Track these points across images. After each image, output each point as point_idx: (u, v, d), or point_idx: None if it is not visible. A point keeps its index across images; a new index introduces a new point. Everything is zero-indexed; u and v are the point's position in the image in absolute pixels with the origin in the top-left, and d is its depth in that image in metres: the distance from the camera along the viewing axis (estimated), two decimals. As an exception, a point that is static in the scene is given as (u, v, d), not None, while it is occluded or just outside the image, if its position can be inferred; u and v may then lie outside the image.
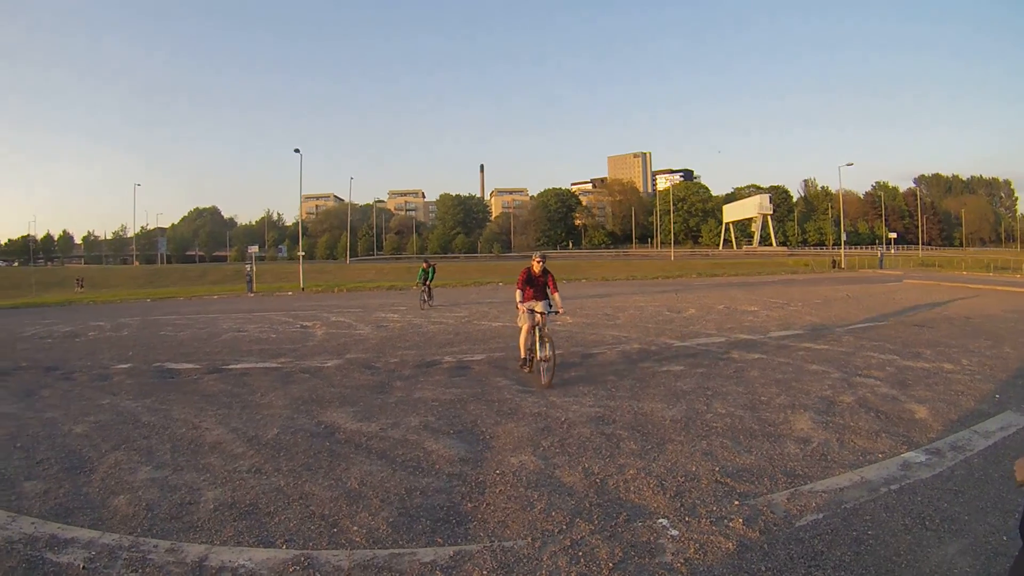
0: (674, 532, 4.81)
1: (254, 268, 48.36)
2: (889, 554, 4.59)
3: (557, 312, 11.41)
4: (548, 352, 10.41)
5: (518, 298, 11.18)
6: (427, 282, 27.44)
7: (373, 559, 4.57)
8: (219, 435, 7.91)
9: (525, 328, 11.36)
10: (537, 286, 11.41)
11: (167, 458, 7.05)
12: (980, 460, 6.64)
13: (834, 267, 73.32)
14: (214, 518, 5.35)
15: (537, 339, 10.89)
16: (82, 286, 64.00)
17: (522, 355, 11.60)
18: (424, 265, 27.94)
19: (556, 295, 11.48)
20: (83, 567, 4.52)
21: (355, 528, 5.09)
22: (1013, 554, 4.31)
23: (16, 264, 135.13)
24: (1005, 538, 4.86)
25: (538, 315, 11.09)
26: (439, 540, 4.88)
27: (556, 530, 4.99)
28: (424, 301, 27.20)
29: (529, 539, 4.83)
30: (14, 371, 13.36)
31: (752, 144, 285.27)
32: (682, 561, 4.45)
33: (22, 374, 12.99)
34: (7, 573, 4.51)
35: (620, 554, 4.55)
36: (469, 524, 5.17)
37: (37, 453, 7.37)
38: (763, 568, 4.39)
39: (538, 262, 11.38)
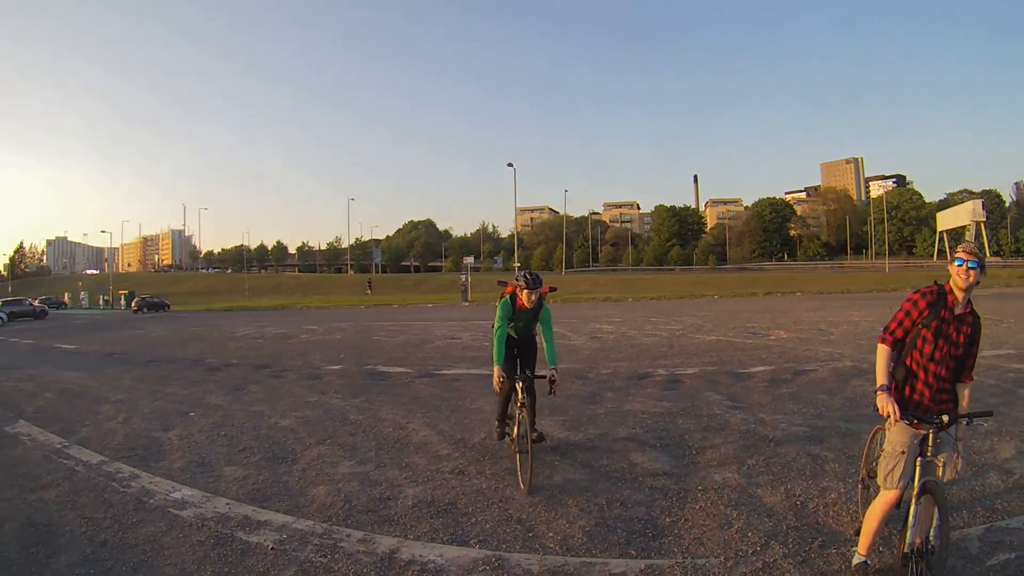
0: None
1: (469, 278, 50.10)
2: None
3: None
4: None
5: (888, 408, 4.07)
6: (521, 360, 7.43)
7: (564, 566, 4.57)
8: (425, 436, 8.14)
9: None
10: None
11: (371, 455, 7.34)
12: None
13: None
14: (411, 514, 5.48)
15: None
16: (371, 288, 69.72)
17: None
18: (522, 290, 6.96)
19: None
20: (272, 548, 4.74)
21: (550, 534, 5.12)
22: None
23: (230, 271, 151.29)
24: None
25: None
26: (632, 552, 4.83)
27: (750, 551, 4.86)
28: (515, 434, 6.76)
29: (722, 558, 4.73)
30: (224, 367, 14.66)
31: (965, 144, 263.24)
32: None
33: (232, 370, 14.24)
34: (195, 547, 4.79)
35: (809, 580, 4.44)
36: (664, 538, 5.09)
37: (240, 442, 7.95)
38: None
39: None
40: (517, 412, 6.75)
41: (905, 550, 4.05)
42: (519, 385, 6.84)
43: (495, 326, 7.08)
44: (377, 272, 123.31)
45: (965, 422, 4.20)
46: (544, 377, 6.80)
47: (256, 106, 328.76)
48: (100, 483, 6.45)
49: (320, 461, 7.07)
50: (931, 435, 4.14)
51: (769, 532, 5.18)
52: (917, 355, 4.30)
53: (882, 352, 4.34)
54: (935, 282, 4.34)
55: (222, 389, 11.79)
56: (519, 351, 7.48)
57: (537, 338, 7.52)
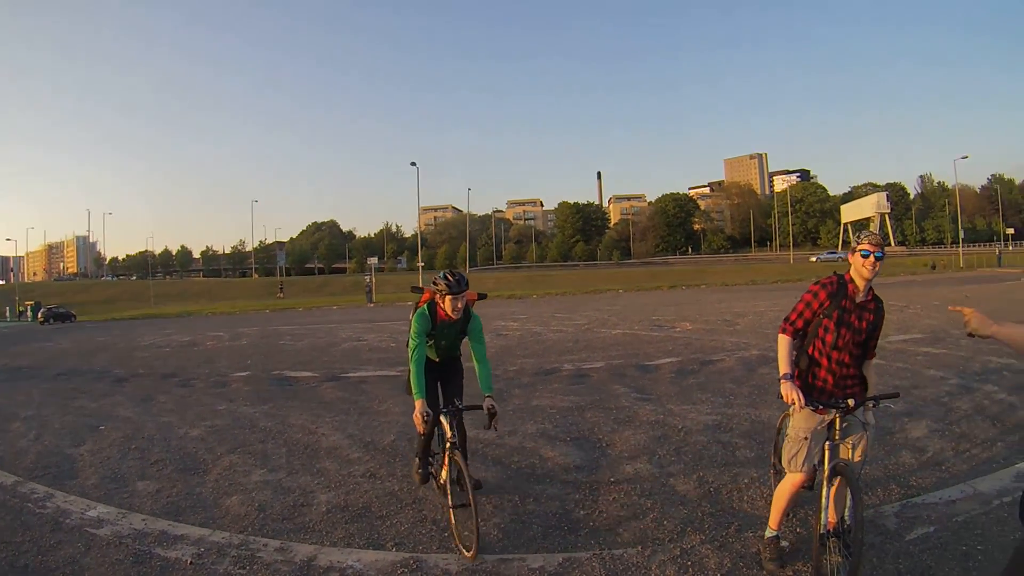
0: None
1: (373, 279, 49.89)
2: (999, 569, 4.29)
3: None
4: None
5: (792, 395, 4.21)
6: (444, 388, 6.08)
7: (482, 564, 4.64)
8: (335, 440, 8.15)
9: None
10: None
11: (282, 462, 7.35)
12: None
13: (933, 269, 73.91)
14: (325, 520, 5.54)
15: None
16: (283, 292, 69.49)
17: None
18: (443, 296, 5.40)
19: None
20: (191, 563, 4.73)
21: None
22: None
23: (135, 278, 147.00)
24: None
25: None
26: (549, 547, 4.93)
27: (667, 539, 4.98)
28: (443, 479, 5.41)
29: (639, 547, 4.83)
30: (131, 378, 14.39)
31: (868, 140, 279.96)
32: (791, 572, 4.41)
33: (140, 381, 13.97)
34: (114, 566, 4.75)
35: (728, 564, 4.54)
36: (580, 531, 5.20)
37: (152, 455, 7.86)
38: (871, 583, 4.32)
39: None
40: (446, 454, 5.28)
41: (821, 531, 4.21)
42: (445, 420, 5.36)
43: (411, 345, 5.47)
44: (282, 275, 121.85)
45: (872, 404, 4.38)
46: (479, 408, 5.31)
47: (154, 109, 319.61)
48: (16, 505, 6.31)
49: (232, 471, 7.05)
50: (838, 419, 4.28)
51: (684, 520, 5.32)
52: (820, 344, 4.40)
53: (783, 342, 4.44)
54: (835, 273, 4.46)
55: (131, 401, 11.56)
56: (441, 376, 6.02)
57: (463, 357, 6.11)
